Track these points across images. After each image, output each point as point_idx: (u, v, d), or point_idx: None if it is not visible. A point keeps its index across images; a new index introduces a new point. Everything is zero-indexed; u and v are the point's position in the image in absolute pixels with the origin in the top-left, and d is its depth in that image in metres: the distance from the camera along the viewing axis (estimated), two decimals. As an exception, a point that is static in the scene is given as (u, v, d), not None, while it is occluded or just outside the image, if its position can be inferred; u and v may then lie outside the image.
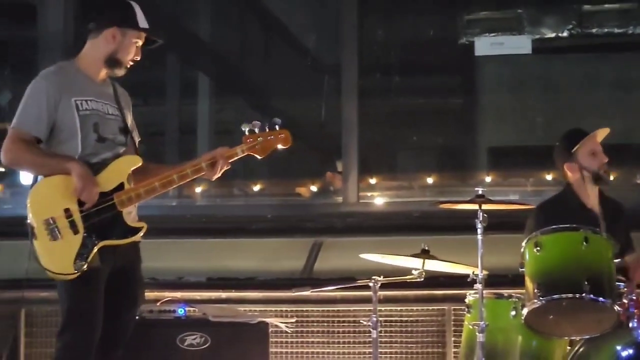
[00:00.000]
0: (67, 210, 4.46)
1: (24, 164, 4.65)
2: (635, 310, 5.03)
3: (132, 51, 4.73)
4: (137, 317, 5.25)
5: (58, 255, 4.46)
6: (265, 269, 6.94)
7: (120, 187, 4.55)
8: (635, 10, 7.47)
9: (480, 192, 5.25)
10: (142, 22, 4.77)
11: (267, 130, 4.70)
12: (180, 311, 5.48)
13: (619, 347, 4.83)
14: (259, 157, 4.72)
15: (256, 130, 4.68)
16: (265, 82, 8.34)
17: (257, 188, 7.76)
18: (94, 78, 4.74)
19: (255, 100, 8.28)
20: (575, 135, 5.67)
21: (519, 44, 7.56)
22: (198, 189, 7.72)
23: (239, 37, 8.65)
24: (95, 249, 4.46)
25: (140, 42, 4.76)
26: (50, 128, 4.60)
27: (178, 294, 6.11)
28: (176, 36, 8.44)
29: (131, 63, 4.76)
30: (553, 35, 7.68)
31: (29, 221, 4.49)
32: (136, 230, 4.59)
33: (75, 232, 4.46)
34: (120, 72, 4.76)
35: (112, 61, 4.71)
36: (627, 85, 7.65)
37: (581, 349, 5.11)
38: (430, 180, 7.66)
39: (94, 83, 4.73)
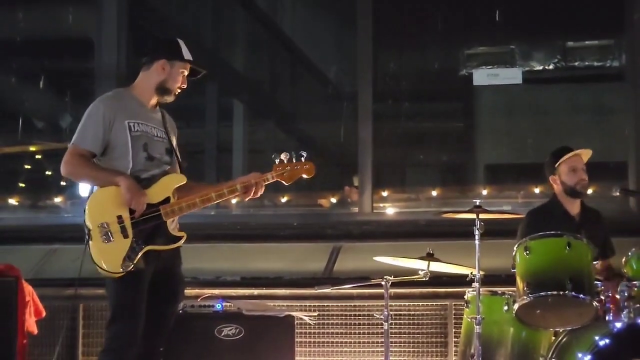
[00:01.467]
0: (119, 217, 4.46)
1: (80, 175, 4.66)
2: (611, 306, 5.04)
3: (179, 80, 4.74)
4: (180, 312, 5.36)
5: (109, 256, 4.45)
6: (291, 270, 6.94)
7: (167, 200, 4.55)
8: (611, 46, 7.47)
9: (477, 204, 5.27)
10: (187, 54, 4.79)
11: (294, 161, 4.68)
12: (218, 306, 5.47)
13: (597, 338, 4.78)
14: (285, 183, 4.71)
15: (285, 160, 4.68)
16: (292, 108, 8.36)
17: (284, 199, 7.73)
18: (146, 104, 4.75)
19: (284, 123, 8.28)
20: (559, 152, 5.66)
21: (512, 75, 7.54)
22: (234, 200, 7.50)
23: (269, 69, 8.65)
24: (141, 253, 4.47)
25: (186, 72, 4.77)
26: (105, 146, 4.60)
27: (216, 291, 6.16)
28: (215, 67, 8.46)
29: (179, 90, 4.76)
30: (541, 67, 7.70)
31: (86, 224, 4.49)
32: (178, 239, 4.59)
33: (126, 236, 4.46)
34: (169, 99, 4.78)
35: (163, 89, 4.72)
36: (604, 111, 7.65)
37: (564, 339, 5.11)
38: (434, 193, 7.64)
39: (145, 108, 4.74)
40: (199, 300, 5.66)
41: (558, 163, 5.62)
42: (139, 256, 4.47)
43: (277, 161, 4.69)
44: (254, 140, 8.24)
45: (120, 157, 4.61)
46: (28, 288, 5.49)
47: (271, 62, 8.65)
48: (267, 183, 4.70)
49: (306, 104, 8.33)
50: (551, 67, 7.70)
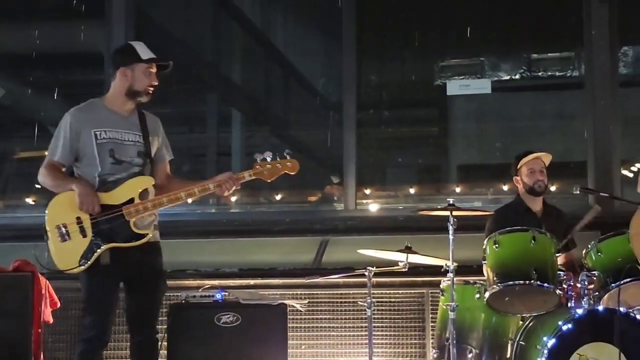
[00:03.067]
0: (78, 218, 4.41)
1: (46, 184, 4.57)
2: (573, 294, 5.05)
3: (145, 80, 4.60)
4: (183, 301, 5.41)
5: (65, 254, 4.41)
6: (283, 261, 6.92)
7: (131, 201, 4.46)
8: (572, 58, 7.43)
9: (451, 201, 5.26)
10: (145, 54, 4.62)
11: (278, 159, 4.60)
12: (218, 296, 5.41)
13: (560, 323, 4.81)
14: (267, 180, 4.63)
15: (268, 158, 4.58)
16: (284, 116, 8.31)
17: (278, 197, 7.68)
18: (119, 111, 4.62)
19: (277, 129, 8.20)
20: (522, 155, 5.70)
21: (481, 85, 7.53)
22: (233, 199, 7.64)
23: (263, 81, 8.61)
24: (100, 250, 4.39)
25: (153, 69, 4.63)
26: (75, 154, 4.56)
27: (216, 282, 6.10)
28: (215, 80, 8.49)
29: (151, 89, 4.63)
30: (508, 77, 7.66)
31: (45, 226, 4.46)
32: (141, 236, 4.48)
33: (84, 235, 4.40)
34: (144, 99, 4.65)
35: (132, 93, 4.59)
36: (565, 117, 7.63)
37: (530, 324, 5.16)
38: (412, 191, 7.62)
39: (116, 115, 4.61)
40: (200, 290, 5.62)
41: (520, 165, 5.66)
42: (97, 253, 4.40)
43: (258, 160, 4.58)
44: (250, 145, 8.17)
45: (89, 164, 4.54)
46: (43, 281, 5.42)
47: (265, 75, 8.64)
48: (244, 181, 4.60)
49: (297, 112, 8.31)
50: (517, 77, 7.67)
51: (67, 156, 4.56)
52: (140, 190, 4.52)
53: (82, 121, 4.57)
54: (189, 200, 4.62)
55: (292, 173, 4.65)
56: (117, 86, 4.64)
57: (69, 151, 4.55)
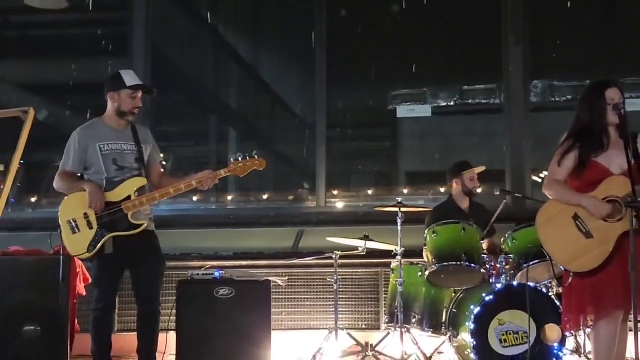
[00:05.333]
0: (85, 214, 4.38)
1: (61, 188, 4.53)
2: (493, 272, 5.11)
3: (130, 102, 4.49)
4: (189, 278, 5.29)
5: (76, 243, 4.39)
6: (268, 247, 6.88)
7: (128, 197, 4.42)
8: (494, 89, 7.50)
9: (399, 200, 5.33)
10: (130, 81, 4.50)
11: (248, 158, 4.51)
12: (216, 274, 5.34)
13: (484, 294, 4.87)
14: (240, 175, 4.52)
15: (239, 158, 4.50)
16: (269, 133, 8.27)
17: (265, 197, 7.68)
18: (115, 127, 4.54)
19: (264, 144, 8.13)
20: (463, 164, 5.75)
21: (424, 110, 7.57)
22: (229, 197, 7.63)
23: (254, 105, 8.61)
24: (105, 238, 4.36)
25: (137, 94, 4.51)
26: (84, 165, 4.51)
27: (215, 263, 5.94)
28: (215, 104, 8.48)
29: (135, 110, 4.51)
30: (444, 104, 7.69)
31: (58, 221, 4.43)
32: (137, 226, 4.43)
33: (90, 227, 4.37)
34: (131, 118, 4.54)
35: (120, 113, 4.51)
36: (489, 135, 7.67)
37: (461, 295, 5.21)
38: (369, 192, 7.65)
39: (114, 130, 4.54)
40: (202, 269, 5.50)
41: (463, 173, 5.67)
42: (102, 241, 4.37)
43: (232, 160, 4.52)
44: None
45: (96, 171, 4.50)
46: (78, 262, 5.37)
47: (255, 101, 8.63)
48: (221, 177, 4.52)
49: (280, 130, 8.29)
50: (452, 103, 7.71)
51: (77, 166, 4.53)
52: (135, 189, 4.47)
53: (87, 137, 4.52)
54: (176, 193, 4.48)
55: (261, 168, 4.56)
56: (109, 107, 4.57)
57: (78, 162, 4.52)
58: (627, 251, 3.53)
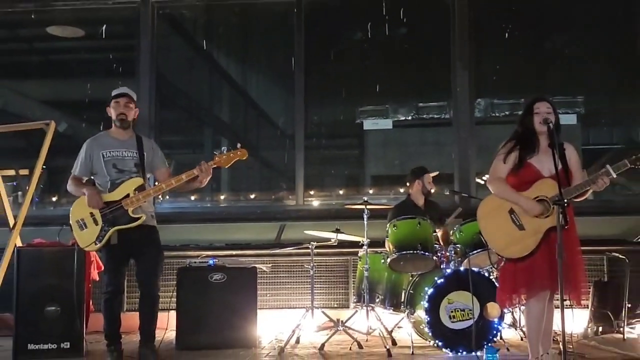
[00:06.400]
0: (91, 213, 4.38)
1: (71, 190, 4.52)
2: (444, 259, 5.12)
3: (115, 110, 4.50)
4: (187, 266, 5.33)
5: (85, 237, 4.39)
6: (255, 239, 6.86)
7: (127, 196, 4.38)
8: (445, 106, 7.49)
9: (365, 199, 5.35)
10: (114, 92, 4.53)
11: (231, 150, 4.41)
12: (211, 262, 5.38)
13: (436, 278, 4.87)
14: (225, 166, 4.40)
15: (224, 151, 4.40)
16: (256, 142, 8.21)
17: (252, 196, 7.63)
18: (118, 137, 4.53)
19: (252, 152, 7.95)
20: (422, 169, 5.76)
21: (386, 124, 7.57)
22: (222, 197, 7.57)
23: (243, 119, 8.57)
24: (109, 233, 4.34)
25: (120, 101, 4.48)
26: (91, 171, 4.51)
27: (209, 253, 6.05)
28: (209, 118, 8.40)
29: (121, 116, 4.48)
30: (403, 118, 7.69)
31: (69, 220, 4.43)
32: (136, 219, 4.37)
33: (96, 224, 4.37)
34: (118, 124, 4.50)
35: (114, 122, 4.53)
36: (440, 144, 7.68)
37: (417, 279, 5.18)
38: (341, 192, 7.62)
39: (117, 140, 4.52)
40: (198, 258, 5.58)
41: (422, 176, 5.67)
42: (108, 235, 4.34)
43: (216, 153, 4.44)
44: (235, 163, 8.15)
45: (101, 175, 4.49)
46: (92, 252, 5.34)
47: (244, 115, 8.59)
48: (209, 168, 4.39)
49: (265, 140, 8.22)
50: (410, 118, 7.69)
51: (84, 172, 4.54)
52: (134, 188, 4.43)
53: (93, 147, 4.54)
54: (171, 187, 4.37)
55: (244, 158, 4.42)
56: (112, 120, 4.58)
57: (85, 168, 4.53)
58: (553, 242, 3.64)
